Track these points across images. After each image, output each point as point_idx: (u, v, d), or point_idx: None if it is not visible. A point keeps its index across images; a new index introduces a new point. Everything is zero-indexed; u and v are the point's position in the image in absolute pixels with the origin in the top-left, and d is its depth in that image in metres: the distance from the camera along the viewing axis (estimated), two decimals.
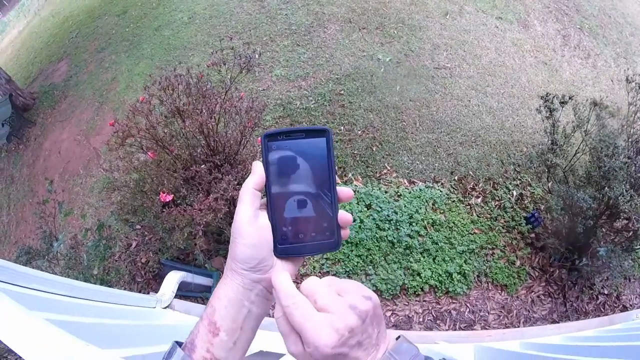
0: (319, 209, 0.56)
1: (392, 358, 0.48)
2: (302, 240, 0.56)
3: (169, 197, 2.55)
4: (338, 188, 0.57)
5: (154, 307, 2.30)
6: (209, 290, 3.31)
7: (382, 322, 0.51)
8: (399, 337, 0.51)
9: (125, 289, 3.78)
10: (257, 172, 0.55)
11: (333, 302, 0.48)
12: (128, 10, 7.51)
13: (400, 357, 0.48)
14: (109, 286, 3.38)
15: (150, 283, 3.73)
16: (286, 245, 0.56)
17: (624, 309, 3.61)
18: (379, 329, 0.50)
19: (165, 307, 2.39)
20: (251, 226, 0.53)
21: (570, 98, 3.50)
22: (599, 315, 3.50)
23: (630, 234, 3.11)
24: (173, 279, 2.60)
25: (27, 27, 10.32)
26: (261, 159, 0.56)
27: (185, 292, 3.25)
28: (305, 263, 3.48)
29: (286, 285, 0.50)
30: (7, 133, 6.15)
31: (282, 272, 0.53)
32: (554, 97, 3.52)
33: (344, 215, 0.57)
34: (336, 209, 0.57)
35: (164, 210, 2.59)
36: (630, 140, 3.29)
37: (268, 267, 0.55)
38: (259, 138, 2.60)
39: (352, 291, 0.50)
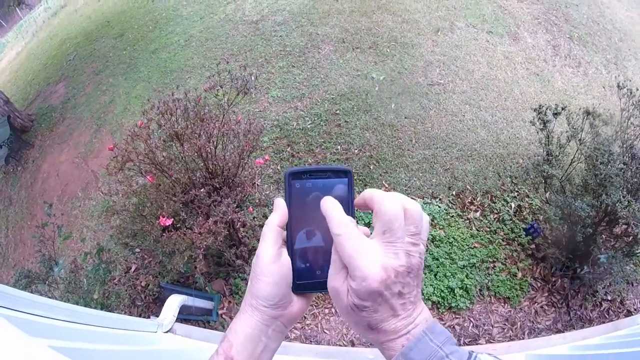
0: None
1: (427, 337, 0.46)
2: (319, 277, 0.57)
3: (169, 221, 2.55)
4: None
5: (155, 332, 2.28)
6: (210, 313, 3.29)
7: (421, 285, 0.50)
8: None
9: (125, 313, 3.74)
10: (281, 209, 0.56)
11: (395, 234, 0.47)
12: (125, 33, 7.62)
13: (434, 337, 0.46)
14: (110, 310, 3.35)
15: (151, 307, 3.70)
16: (304, 281, 0.57)
17: (629, 313, 3.59)
18: (418, 289, 0.49)
19: (166, 332, 2.38)
20: (275, 264, 0.54)
21: (563, 108, 3.54)
22: (603, 322, 3.47)
23: (630, 238, 3.10)
24: (174, 303, 2.59)
25: (25, 49, 10.45)
26: (283, 196, 0.57)
27: (186, 316, 3.22)
28: None
29: (339, 213, 0.50)
30: (5, 155, 6.16)
31: (331, 199, 0.52)
32: (546, 108, 3.56)
33: None
34: None
35: (164, 234, 2.59)
36: (624, 146, 3.31)
37: (287, 303, 0.56)
38: (257, 160, 2.61)
39: (414, 233, 0.49)
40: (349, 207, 0.57)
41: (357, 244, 0.47)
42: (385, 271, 0.45)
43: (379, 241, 0.48)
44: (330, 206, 0.51)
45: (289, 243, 0.57)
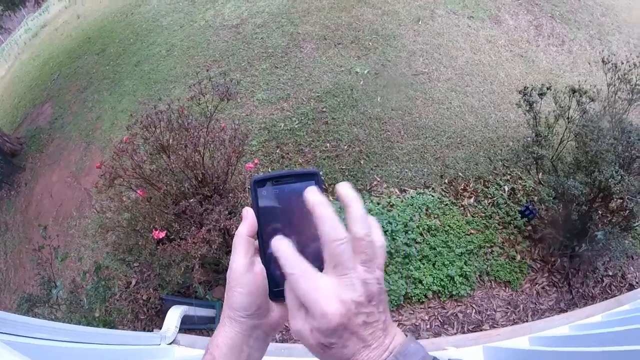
0: (312, 251, 0.57)
1: None
2: None
3: (162, 234, 2.54)
4: None
5: (159, 344, 2.28)
6: (212, 321, 3.29)
7: (387, 310, 0.49)
8: (406, 335, 0.49)
9: (129, 327, 3.74)
10: (249, 218, 0.55)
11: (346, 266, 0.45)
12: (106, 48, 7.58)
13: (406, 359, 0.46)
14: (112, 327, 3.35)
15: (154, 319, 3.70)
16: (281, 288, 0.55)
17: (631, 287, 3.61)
18: (385, 315, 0.48)
19: (170, 343, 2.38)
20: (248, 274, 0.54)
21: (548, 88, 3.55)
22: (606, 298, 3.49)
23: (627, 212, 3.10)
24: (175, 314, 2.59)
25: (9, 72, 10.39)
26: (251, 205, 0.56)
27: (189, 326, 3.22)
28: None
29: (290, 252, 0.49)
30: None
31: (282, 239, 0.50)
32: (531, 89, 3.57)
33: None
34: None
35: (159, 246, 2.58)
36: (613, 120, 3.32)
37: (265, 312, 0.55)
38: (247, 164, 2.60)
39: (365, 261, 0.46)
40: None
41: (312, 282, 0.46)
42: (343, 304, 0.44)
43: (332, 275, 0.46)
44: (281, 247, 0.50)
45: (261, 251, 0.56)
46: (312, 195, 0.49)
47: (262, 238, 0.56)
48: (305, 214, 0.57)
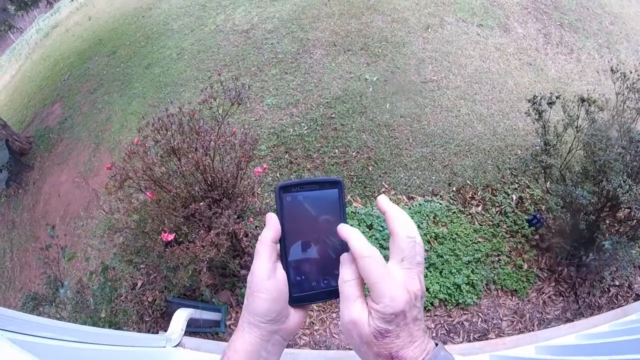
0: (331, 257, 0.58)
1: None
2: (315, 288, 0.58)
3: (171, 236, 2.55)
4: None
5: (164, 347, 2.29)
6: (218, 324, 3.29)
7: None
8: (437, 344, 0.52)
9: (134, 329, 3.75)
10: (273, 224, 0.56)
11: (411, 261, 0.50)
12: (117, 50, 7.65)
13: None
14: (118, 328, 3.36)
15: (159, 322, 3.70)
16: (300, 294, 0.57)
17: (637, 297, 3.57)
18: (422, 320, 0.51)
19: (175, 346, 2.38)
20: (270, 280, 0.54)
21: (557, 97, 3.54)
22: (612, 308, 3.46)
23: (634, 222, 3.07)
24: (181, 317, 2.60)
25: (20, 72, 10.50)
26: (275, 210, 0.58)
27: (194, 329, 3.22)
28: None
29: (362, 238, 0.52)
30: (5, 178, 6.19)
31: (350, 227, 0.54)
32: (541, 98, 3.56)
33: None
34: None
35: (167, 249, 2.59)
36: (622, 130, 3.30)
37: (285, 317, 0.56)
38: (256, 169, 2.62)
39: (420, 263, 0.52)
40: (341, 216, 0.58)
41: (384, 268, 0.49)
42: (408, 293, 0.48)
43: (399, 267, 0.50)
44: (351, 231, 0.53)
45: (283, 256, 0.57)
46: (383, 200, 0.55)
47: (285, 243, 0.57)
48: (327, 221, 0.58)
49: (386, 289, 0.47)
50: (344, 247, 0.58)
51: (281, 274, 0.56)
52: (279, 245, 0.57)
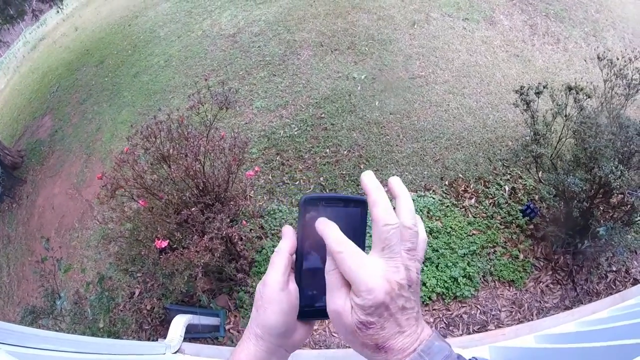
0: None
1: (422, 359, 0.46)
2: (324, 304, 0.55)
3: (164, 243, 2.55)
4: None
5: (164, 354, 2.28)
6: (217, 329, 3.28)
7: (419, 301, 0.50)
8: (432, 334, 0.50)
9: (133, 338, 3.73)
10: (290, 237, 0.55)
11: (393, 250, 0.47)
12: (105, 60, 7.63)
13: (431, 358, 0.46)
14: (117, 337, 3.35)
15: (158, 329, 3.69)
16: (309, 309, 0.56)
17: (635, 281, 3.59)
18: (418, 306, 0.49)
19: (175, 352, 2.38)
20: (283, 292, 0.53)
21: (544, 87, 3.56)
22: (611, 294, 3.47)
23: (628, 207, 3.09)
24: (179, 323, 2.59)
25: (8, 85, 10.44)
26: (296, 223, 0.56)
27: (193, 334, 3.22)
28: None
29: (338, 232, 0.50)
30: None
31: (325, 220, 0.52)
32: (528, 88, 3.58)
33: None
34: None
35: (161, 256, 2.59)
36: (611, 116, 3.33)
37: (292, 332, 0.55)
38: (247, 172, 2.61)
39: (410, 249, 0.49)
40: (361, 238, 0.55)
41: (360, 260, 0.47)
42: (389, 283, 0.46)
43: (379, 257, 0.48)
44: (327, 226, 0.51)
45: (297, 270, 0.56)
46: (368, 178, 0.51)
47: (301, 257, 0.56)
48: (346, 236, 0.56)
49: (362, 281, 0.46)
50: None
51: (293, 287, 0.55)
52: (294, 257, 0.56)
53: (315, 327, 3.34)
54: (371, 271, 0.46)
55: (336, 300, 0.49)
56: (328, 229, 0.51)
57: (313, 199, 0.55)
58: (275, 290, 0.53)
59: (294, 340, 0.56)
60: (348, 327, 0.48)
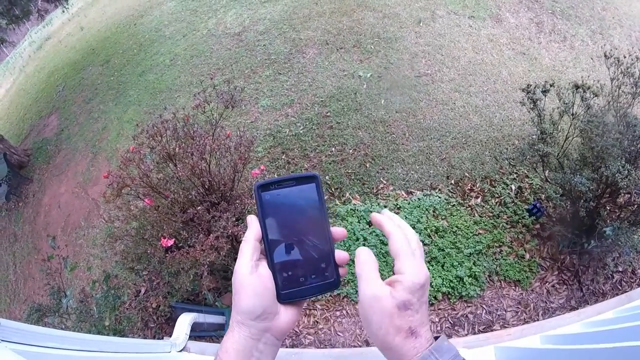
0: (316, 251, 0.58)
1: (433, 356, 0.49)
2: (303, 284, 0.58)
3: (170, 242, 2.56)
4: (332, 228, 0.59)
5: (169, 352, 2.28)
6: (222, 328, 3.29)
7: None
8: (437, 337, 0.53)
9: (139, 336, 3.75)
10: (253, 225, 0.57)
11: (421, 256, 0.56)
12: (111, 59, 7.66)
13: (440, 356, 0.49)
14: (123, 335, 3.37)
15: (164, 327, 3.71)
16: (288, 290, 0.57)
17: None
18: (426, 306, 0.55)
19: (180, 350, 2.38)
20: (252, 275, 0.54)
21: (551, 85, 3.53)
22: (617, 294, 3.45)
23: (635, 207, 3.06)
24: (185, 321, 2.59)
25: (14, 85, 10.51)
26: (255, 210, 0.58)
27: (199, 333, 3.23)
28: None
29: (392, 220, 0.59)
30: (5, 192, 6.21)
31: (381, 214, 0.61)
32: (535, 87, 3.55)
33: (340, 254, 0.60)
34: (332, 248, 0.59)
35: (167, 254, 2.59)
36: (618, 115, 3.29)
37: (273, 315, 0.56)
38: (253, 171, 2.62)
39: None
40: (322, 210, 0.58)
41: (409, 247, 0.56)
42: (427, 272, 0.54)
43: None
44: (380, 215, 0.60)
45: (267, 254, 0.57)
46: (384, 215, 0.60)
47: (268, 241, 0.57)
48: (308, 216, 0.59)
49: (413, 263, 0.53)
50: (328, 238, 0.58)
51: (265, 270, 0.56)
52: (263, 244, 0.58)
53: (320, 326, 3.34)
54: (420, 258, 0.55)
55: (374, 286, 0.53)
56: (381, 216, 0.60)
57: (266, 184, 0.58)
58: (244, 275, 0.55)
59: (279, 324, 0.56)
60: (385, 310, 0.51)
